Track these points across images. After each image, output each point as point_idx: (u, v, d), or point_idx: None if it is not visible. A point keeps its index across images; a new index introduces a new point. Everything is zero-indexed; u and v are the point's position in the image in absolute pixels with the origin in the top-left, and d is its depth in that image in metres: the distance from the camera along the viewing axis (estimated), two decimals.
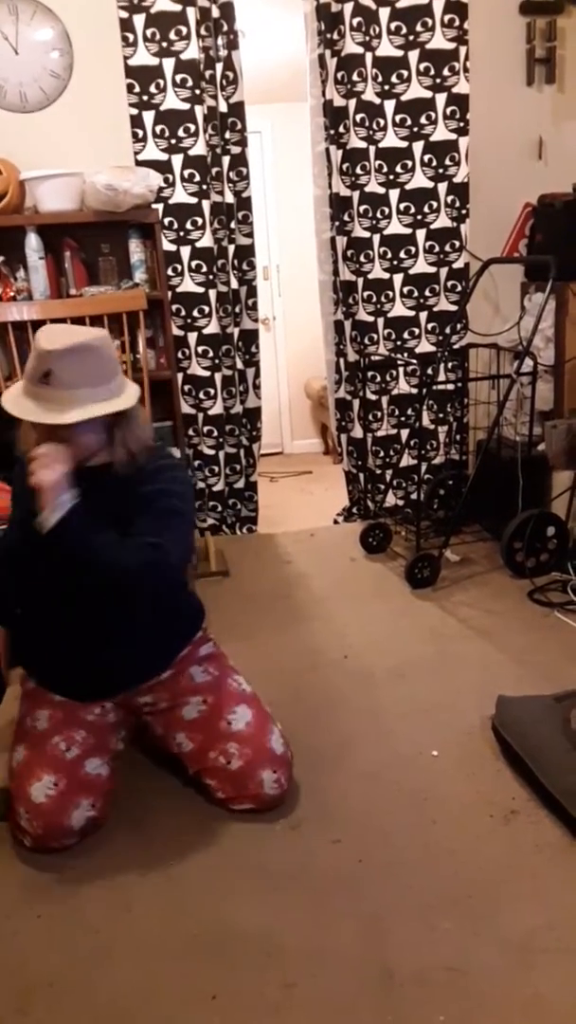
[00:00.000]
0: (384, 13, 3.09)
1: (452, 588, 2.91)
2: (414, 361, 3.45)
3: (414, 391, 3.49)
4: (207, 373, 3.41)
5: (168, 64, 3.06)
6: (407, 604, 2.82)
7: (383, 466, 3.62)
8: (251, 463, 3.63)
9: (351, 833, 1.71)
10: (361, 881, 1.57)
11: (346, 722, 2.12)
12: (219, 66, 3.08)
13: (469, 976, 1.35)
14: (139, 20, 3.02)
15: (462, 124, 3.22)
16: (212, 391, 3.44)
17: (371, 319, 3.41)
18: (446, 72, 3.17)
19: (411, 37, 3.12)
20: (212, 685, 1.84)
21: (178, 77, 3.07)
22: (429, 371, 3.41)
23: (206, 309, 3.34)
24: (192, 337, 3.37)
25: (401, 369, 3.49)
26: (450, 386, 3.51)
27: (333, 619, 2.74)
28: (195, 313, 3.34)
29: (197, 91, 3.09)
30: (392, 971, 1.37)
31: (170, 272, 3.26)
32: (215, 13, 3.02)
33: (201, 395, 3.44)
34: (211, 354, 3.39)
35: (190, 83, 3.08)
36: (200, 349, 3.38)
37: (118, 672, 1.80)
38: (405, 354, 3.47)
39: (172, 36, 3.04)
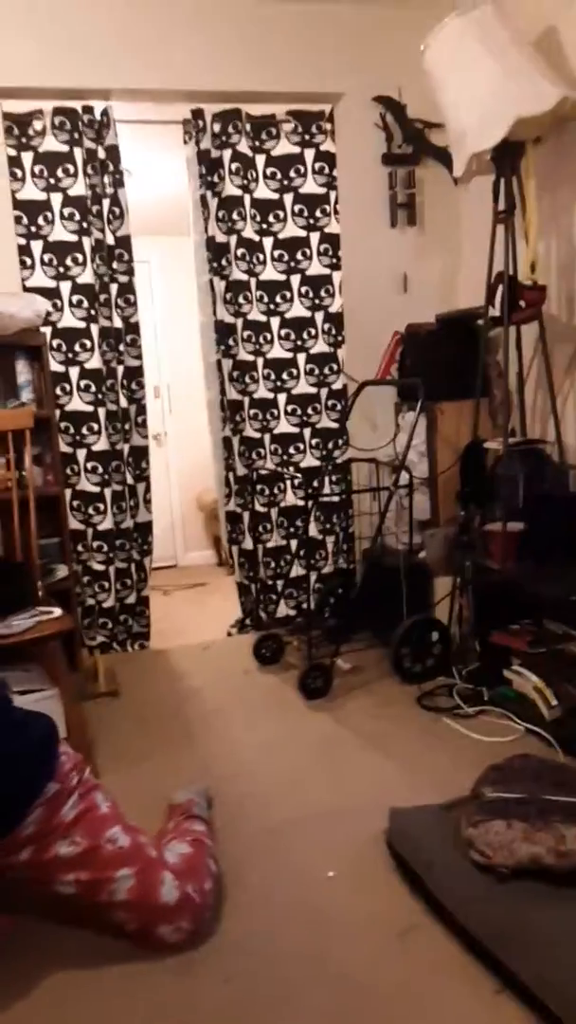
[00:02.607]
0: (260, 160, 3.38)
1: (344, 697, 2.93)
2: (300, 475, 3.58)
3: (301, 503, 3.61)
4: (96, 489, 3.42)
5: (56, 199, 3.21)
6: (301, 716, 2.81)
7: (274, 576, 3.68)
8: (142, 577, 3.61)
9: (243, 966, 1.63)
10: (253, 1021, 1.50)
11: (240, 842, 2.06)
12: (106, 202, 3.25)
13: None
14: (27, 157, 3.17)
15: (335, 260, 3.50)
16: (102, 506, 3.44)
17: (258, 435, 3.54)
18: (318, 214, 3.46)
19: (285, 182, 3.41)
20: (82, 858, 1.60)
21: (66, 211, 3.22)
22: (315, 484, 3.55)
23: (95, 427, 3.38)
24: (81, 453, 3.39)
25: (288, 482, 3.61)
26: (335, 498, 3.65)
27: (226, 735, 2.70)
28: (84, 431, 3.37)
29: (85, 224, 3.24)
30: None
31: (59, 391, 3.31)
32: (101, 154, 3.22)
33: (91, 510, 3.43)
34: (100, 470, 3.41)
35: (78, 217, 3.23)
36: (89, 465, 3.40)
37: None
38: (291, 468, 3.60)
39: (60, 173, 3.20)
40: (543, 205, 2.92)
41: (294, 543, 3.66)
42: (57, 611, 2.47)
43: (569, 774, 2.01)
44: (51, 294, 3.24)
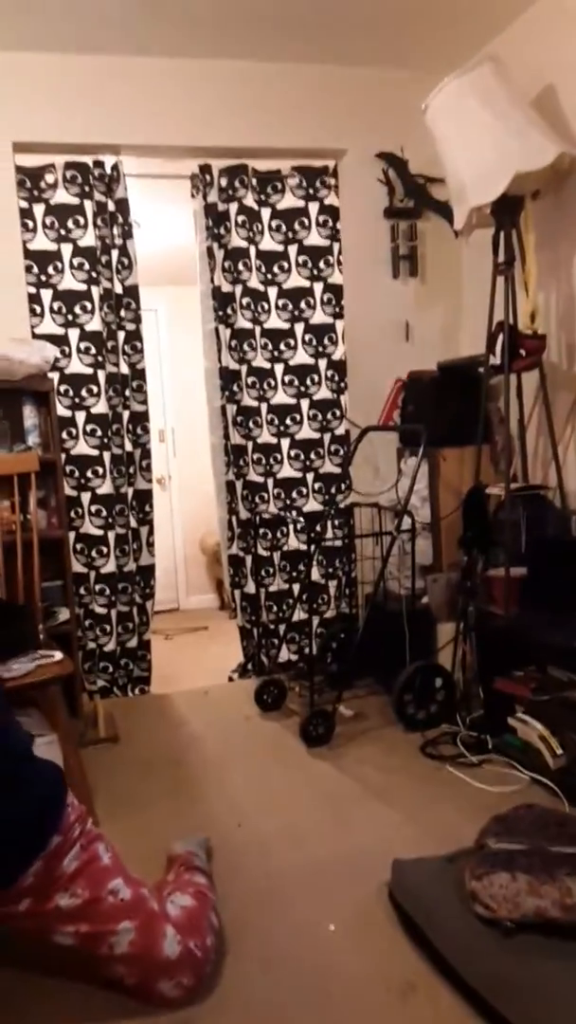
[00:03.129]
0: (266, 213, 3.47)
1: (347, 745, 2.90)
2: (302, 519, 3.59)
3: (304, 547, 3.62)
4: (100, 532, 3.43)
5: (66, 249, 3.29)
6: (302, 764, 2.78)
7: (276, 621, 3.66)
8: (144, 621, 3.60)
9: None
10: None
11: (241, 895, 2.01)
12: (115, 252, 3.33)
13: None
14: (39, 209, 3.26)
15: (338, 309, 3.57)
16: (105, 549, 3.44)
17: (261, 480, 3.57)
18: (322, 265, 3.54)
19: (290, 234, 3.50)
20: (83, 910, 1.57)
21: (75, 261, 3.30)
22: (317, 528, 3.56)
23: (100, 470, 3.41)
24: (86, 497, 3.41)
25: (291, 526, 3.62)
26: (338, 542, 3.66)
27: (227, 784, 2.66)
28: (89, 474, 3.40)
29: (93, 274, 3.31)
30: None
31: (65, 435, 3.34)
32: (111, 207, 3.31)
33: (94, 553, 3.44)
34: (104, 513, 3.43)
35: (87, 266, 3.31)
36: (94, 508, 3.42)
37: None
38: (294, 512, 3.62)
39: (70, 225, 3.28)
40: (542, 257, 2.99)
41: (296, 587, 3.66)
42: (58, 655, 2.46)
43: (575, 825, 1.98)
44: (59, 341, 3.30)
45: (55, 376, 3.26)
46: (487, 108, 2.70)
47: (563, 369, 2.96)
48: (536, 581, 2.72)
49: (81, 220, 3.29)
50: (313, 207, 3.51)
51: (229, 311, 3.46)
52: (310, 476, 3.64)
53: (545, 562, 2.72)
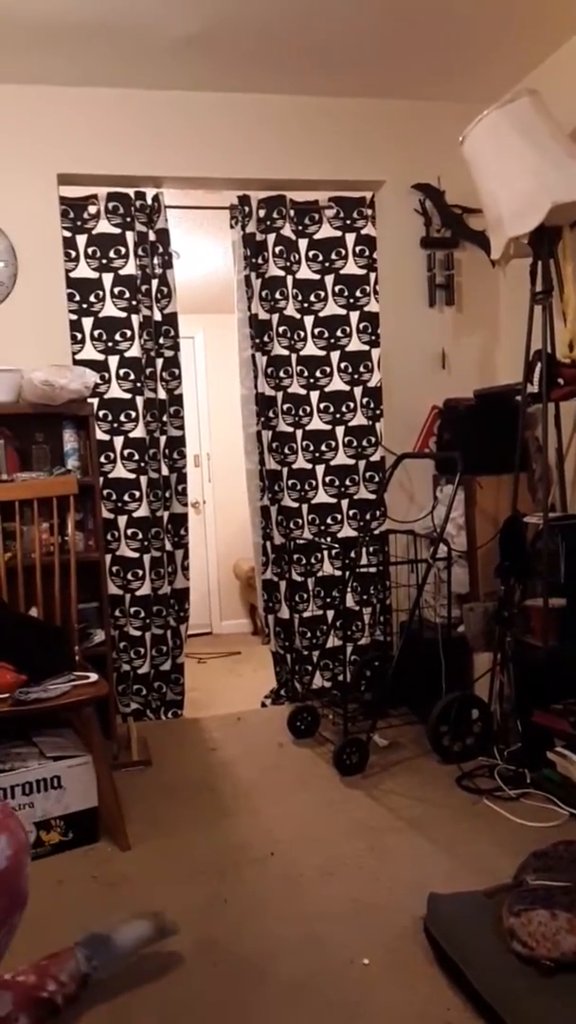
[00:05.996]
0: (303, 243, 3.52)
1: (381, 775, 2.86)
2: (337, 545, 3.59)
3: (338, 574, 3.61)
4: (136, 554, 3.46)
5: (107, 278, 3.36)
6: (336, 793, 2.75)
7: (310, 647, 3.65)
8: (178, 644, 3.61)
9: None
10: None
11: (272, 927, 1.99)
12: (155, 282, 3.39)
13: None
14: (81, 239, 3.34)
15: (374, 337, 3.59)
16: (140, 572, 3.47)
17: (296, 505, 3.58)
18: (358, 293, 3.57)
19: (327, 264, 3.54)
20: None
21: (116, 289, 3.37)
22: (352, 555, 3.55)
23: (137, 494, 3.45)
24: (122, 520, 3.45)
25: (325, 552, 3.62)
26: (372, 569, 3.64)
27: (259, 811, 2.64)
28: (126, 497, 3.44)
29: (134, 302, 3.38)
30: None
31: (103, 459, 3.39)
32: (152, 237, 3.38)
33: (129, 576, 3.47)
34: (140, 536, 3.46)
35: (127, 295, 3.37)
36: (130, 531, 3.45)
37: None
38: (328, 538, 3.62)
39: (112, 255, 3.36)
40: None
41: (330, 614, 3.65)
42: (93, 676, 2.47)
43: None
44: (99, 367, 3.37)
45: (95, 401, 3.32)
46: (525, 140, 2.72)
47: None
48: (575, 612, 2.68)
49: (122, 250, 3.36)
50: (350, 237, 3.55)
51: (266, 338, 3.50)
52: (345, 502, 3.64)
53: None
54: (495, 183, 2.82)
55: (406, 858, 2.29)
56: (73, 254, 3.34)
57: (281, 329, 3.49)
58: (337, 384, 3.58)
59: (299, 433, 3.57)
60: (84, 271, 3.36)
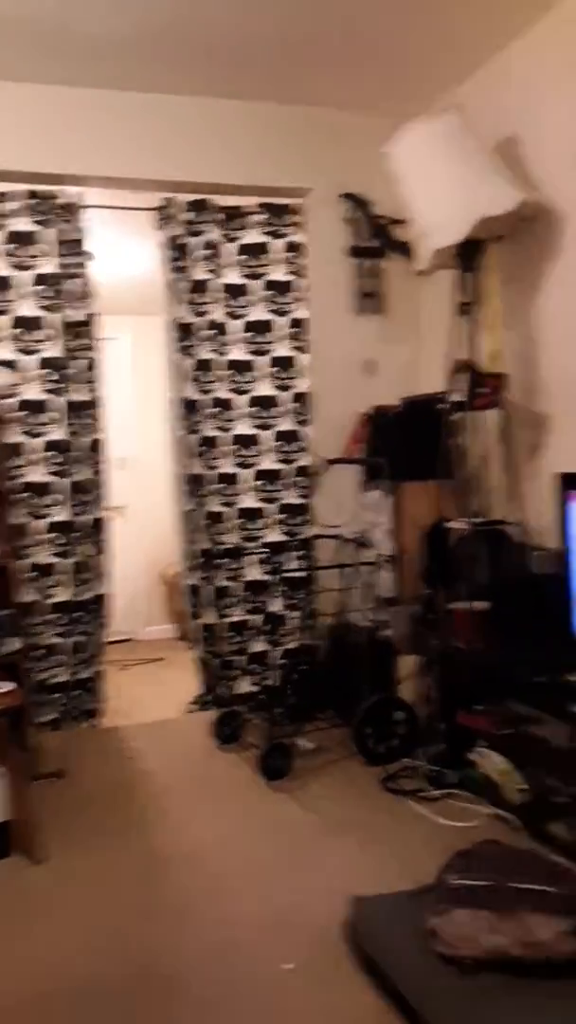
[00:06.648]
0: (230, 247, 3.50)
1: (306, 778, 2.85)
2: (265, 550, 3.58)
3: (265, 578, 3.60)
4: (55, 560, 3.37)
5: (26, 276, 3.27)
6: (260, 798, 2.72)
7: (236, 652, 3.62)
8: (98, 651, 3.52)
9: None
10: None
11: (192, 936, 1.95)
12: (75, 281, 3.32)
13: None
14: None
15: (302, 343, 3.60)
16: (60, 578, 3.38)
17: (223, 509, 3.55)
18: (286, 299, 3.57)
19: (255, 269, 3.53)
20: None
21: (35, 288, 3.28)
22: (279, 559, 3.54)
23: (60, 497, 3.35)
24: (41, 524, 3.35)
25: (252, 557, 3.60)
26: (300, 574, 3.64)
27: (179, 819, 2.59)
28: (47, 501, 3.34)
29: (53, 301, 3.29)
30: None
31: (22, 462, 3.29)
32: (72, 236, 3.30)
33: (48, 582, 3.37)
34: (60, 541, 3.37)
35: (46, 294, 3.29)
36: (49, 536, 3.36)
37: None
38: (255, 543, 3.60)
39: (31, 252, 3.26)
40: (504, 299, 3.06)
41: (257, 618, 3.63)
42: (7, 686, 2.39)
43: (536, 861, 1.97)
44: (16, 367, 3.27)
45: (11, 402, 3.22)
46: (452, 154, 2.78)
47: (522, 408, 3.02)
48: (498, 615, 2.74)
49: (42, 248, 3.28)
50: (278, 243, 3.56)
51: (193, 342, 3.47)
52: (272, 507, 3.63)
53: (506, 596, 2.74)
54: (421, 195, 2.87)
55: (330, 861, 2.29)
56: None
57: (208, 333, 3.46)
58: (265, 389, 3.58)
59: (226, 437, 3.54)
60: (1, 269, 3.25)
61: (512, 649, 2.60)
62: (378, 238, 3.62)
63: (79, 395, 3.36)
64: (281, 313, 3.58)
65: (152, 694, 4.04)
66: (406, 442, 3.28)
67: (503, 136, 3.01)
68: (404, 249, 3.56)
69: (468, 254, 2.86)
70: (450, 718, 2.83)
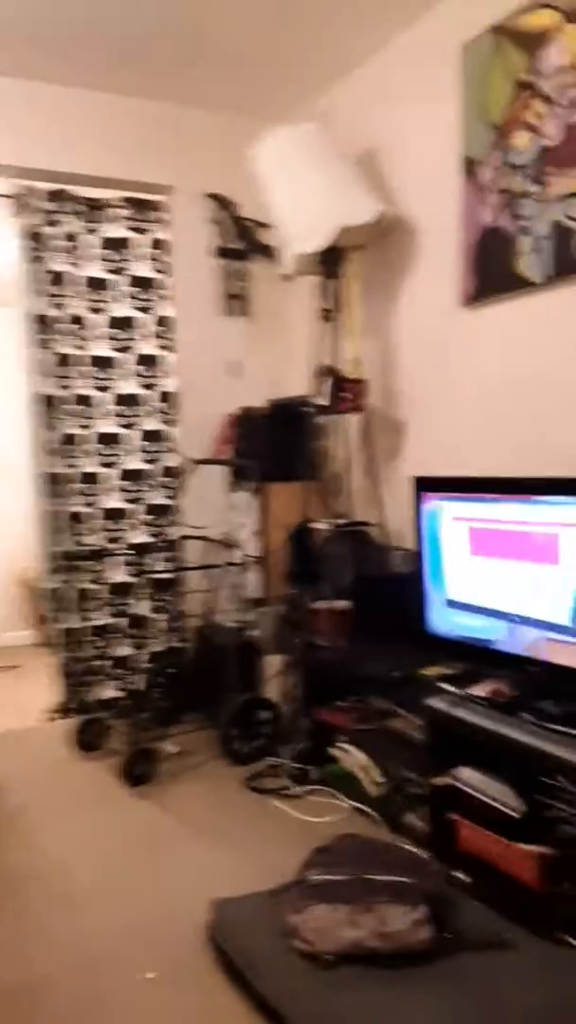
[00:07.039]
0: (92, 240, 3.41)
1: (171, 783, 2.83)
2: (131, 551, 3.51)
3: (131, 580, 3.53)
4: None
5: None
6: (122, 805, 2.67)
7: (100, 657, 3.53)
8: None
9: None
10: None
11: (45, 956, 1.88)
12: None
13: None
14: None
15: (168, 341, 3.56)
16: None
17: (86, 510, 3.45)
18: (152, 296, 3.52)
19: (119, 264, 3.45)
20: None
21: None
22: (145, 561, 3.48)
23: None
24: None
25: (117, 559, 3.52)
26: (166, 575, 3.60)
27: (36, 832, 2.50)
28: None
29: None
30: None
31: None
32: None
33: None
34: None
35: None
36: None
37: None
38: (120, 544, 3.53)
39: None
40: (365, 307, 3.15)
41: (122, 621, 3.55)
42: None
43: (394, 852, 2.04)
44: None
45: None
46: (314, 161, 2.83)
47: (383, 413, 3.12)
48: (359, 614, 2.82)
49: None
50: (143, 239, 3.49)
51: (53, 336, 3.35)
52: (138, 507, 3.57)
53: (367, 596, 2.82)
54: (285, 200, 2.90)
55: (194, 865, 2.28)
56: None
57: (69, 327, 3.35)
58: (131, 387, 3.51)
59: (89, 435, 3.45)
60: None
61: (371, 646, 2.69)
62: (243, 240, 3.63)
63: None
64: (146, 310, 3.52)
65: (7, 703, 3.88)
66: (272, 444, 3.31)
67: (364, 147, 3.10)
68: (269, 253, 3.59)
69: (330, 261, 2.92)
70: (313, 716, 2.89)
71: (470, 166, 2.59)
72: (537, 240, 2.35)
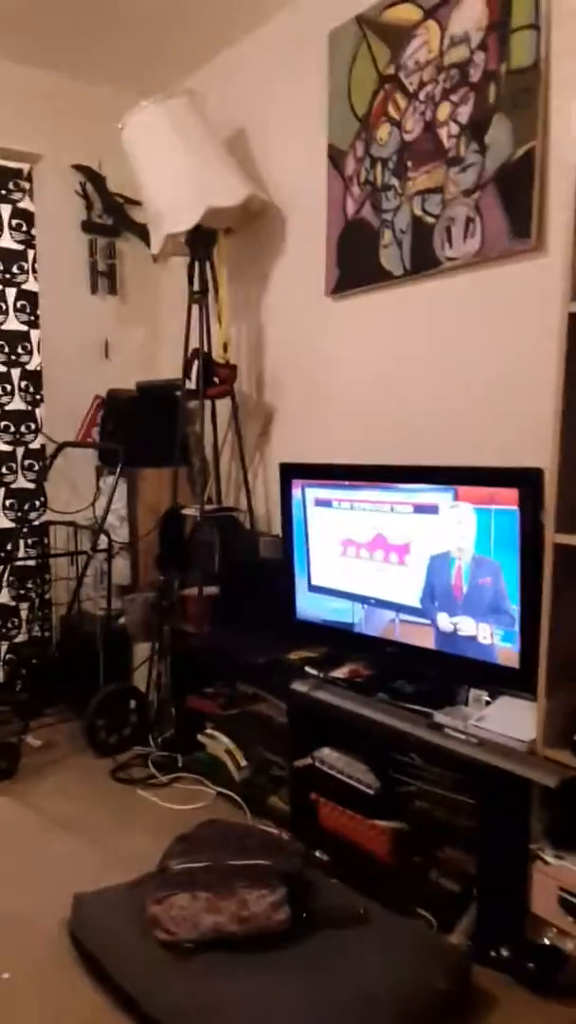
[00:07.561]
0: None
1: (32, 777, 2.74)
2: None
3: None
4: None
5: None
6: None
7: None
8: None
9: None
10: None
11: None
12: None
13: None
14: None
15: (33, 318, 3.41)
16: None
17: None
18: (15, 270, 3.36)
19: None
20: None
21: None
22: (8, 547, 3.34)
23: None
24: None
25: None
26: (31, 562, 3.47)
27: None
28: None
29: None
30: None
31: None
32: None
33: None
34: None
35: None
36: None
37: None
38: None
39: None
40: (235, 291, 3.13)
41: None
42: None
43: (255, 836, 2.06)
44: None
45: None
46: (182, 140, 2.77)
47: (252, 399, 3.12)
48: (227, 600, 2.82)
49: None
50: (5, 208, 3.32)
51: None
52: (1, 491, 3.42)
53: (235, 582, 2.83)
54: (153, 178, 2.83)
55: (55, 861, 2.23)
56: None
57: None
58: None
59: None
60: None
61: (240, 632, 2.70)
62: (112, 216, 3.51)
63: None
64: (10, 284, 3.35)
65: None
66: (141, 428, 3.24)
67: (234, 128, 3.06)
68: (139, 230, 3.50)
69: (199, 243, 2.88)
70: (181, 703, 2.88)
71: (335, 156, 2.61)
72: (397, 234, 2.41)
